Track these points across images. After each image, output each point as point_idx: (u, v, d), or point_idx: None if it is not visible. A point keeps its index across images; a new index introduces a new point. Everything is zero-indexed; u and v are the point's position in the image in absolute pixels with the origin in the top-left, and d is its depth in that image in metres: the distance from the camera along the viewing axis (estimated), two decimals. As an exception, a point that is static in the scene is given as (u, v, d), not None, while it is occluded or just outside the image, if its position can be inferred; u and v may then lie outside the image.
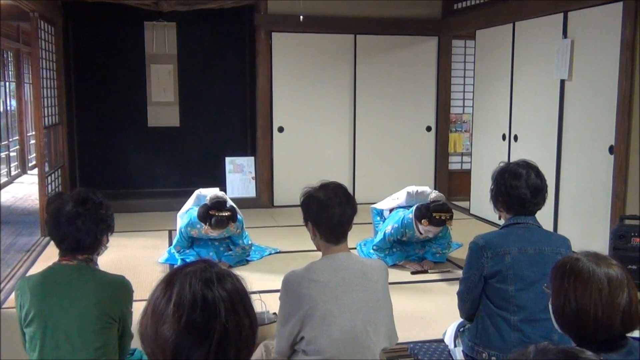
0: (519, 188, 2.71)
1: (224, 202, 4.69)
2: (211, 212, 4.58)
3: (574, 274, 1.79)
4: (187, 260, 4.70)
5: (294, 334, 2.34)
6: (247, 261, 5.15)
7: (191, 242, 4.99)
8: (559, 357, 1.19)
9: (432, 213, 4.56)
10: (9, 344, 3.24)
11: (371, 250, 5.15)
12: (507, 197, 2.74)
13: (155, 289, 1.30)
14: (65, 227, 2.27)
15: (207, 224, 4.61)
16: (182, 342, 1.21)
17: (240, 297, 1.28)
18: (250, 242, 5.11)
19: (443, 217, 4.56)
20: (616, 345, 1.70)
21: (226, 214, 4.60)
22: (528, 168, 2.76)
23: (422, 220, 4.63)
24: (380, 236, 5.06)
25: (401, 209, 5.04)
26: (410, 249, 5.06)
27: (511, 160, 3.23)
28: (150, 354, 1.26)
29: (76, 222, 2.26)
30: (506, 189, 2.74)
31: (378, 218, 5.38)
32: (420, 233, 4.77)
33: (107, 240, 2.42)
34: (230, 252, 5.01)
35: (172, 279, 1.28)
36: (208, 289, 1.25)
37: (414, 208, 4.79)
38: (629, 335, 1.77)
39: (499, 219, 2.93)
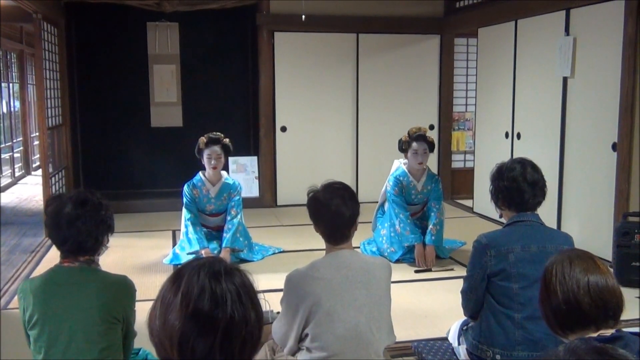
0: (517, 181, 2.73)
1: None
2: (205, 135, 5.02)
3: (545, 278, 1.83)
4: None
5: (299, 331, 2.35)
6: (243, 258, 5.16)
7: (199, 223, 5.05)
8: (590, 355, 1.18)
9: (409, 134, 5.10)
10: (14, 345, 3.25)
11: (382, 231, 5.21)
12: (507, 193, 2.75)
13: (164, 283, 1.32)
14: (66, 230, 2.26)
15: (204, 142, 4.96)
16: (188, 331, 1.22)
17: (247, 290, 1.29)
18: (243, 220, 5.20)
19: (422, 129, 5.11)
20: (610, 340, 1.70)
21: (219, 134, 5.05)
22: (523, 163, 2.79)
23: (405, 147, 5.11)
24: (384, 219, 5.27)
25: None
26: (414, 228, 5.09)
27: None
28: (158, 345, 1.28)
29: (76, 224, 2.25)
30: (504, 184, 2.75)
31: (380, 214, 5.41)
32: (414, 167, 5.13)
33: (108, 241, 2.41)
34: (226, 235, 5.03)
35: (180, 272, 1.31)
36: (216, 280, 1.26)
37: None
38: (628, 330, 1.78)
39: (500, 217, 2.94)
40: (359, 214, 2.50)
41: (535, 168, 2.79)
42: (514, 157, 3.28)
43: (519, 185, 2.72)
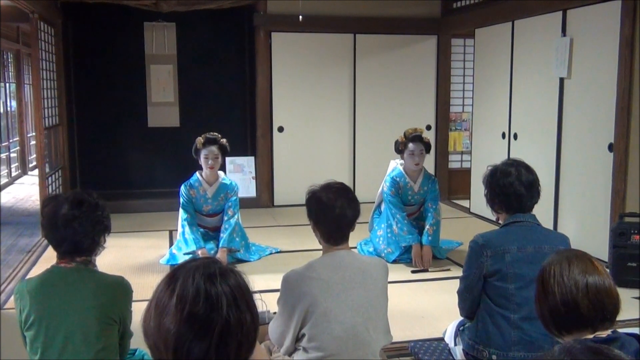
0: (513, 185, 2.72)
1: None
2: (202, 135, 5.02)
3: (542, 278, 1.82)
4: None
5: (296, 331, 2.35)
6: (240, 258, 5.16)
7: (195, 223, 5.05)
8: (585, 355, 1.18)
9: (405, 135, 5.10)
10: (9, 345, 3.24)
11: (377, 233, 5.21)
12: (504, 197, 2.75)
13: (159, 284, 1.31)
14: (63, 230, 2.26)
15: (201, 142, 4.95)
16: (183, 335, 1.22)
17: (242, 292, 1.29)
18: (240, 221, 5.19)
19: (418, 130, 5.11)
20: (606, 342, 1.70)
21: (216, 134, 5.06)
22: (517, 165, 2.78)
23: (402, 148, 5.11)
24: (381, 220, 5.26)
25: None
26: (411, 228, 5.10)
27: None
28: (153, 347, 1.27)
29: (73, 225, 2.25)
30: (500, 188, 2.74)
31: (377, 215, 5.41)
32: (410, 168, 5.12)
33: (105, 241, 2.41)
34: (223, 235, 5.03)
35: (175, 274, 1.30)
36: (211, 283, 1.26)
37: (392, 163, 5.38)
38: (625, 331, 1.78)
39: (497, 220, 2.94)
40: (359, 215, 2.50)
41: (528, 169, 2.78)
42: (509, 158, 3.27)
43: (515, 190, 2.72)
